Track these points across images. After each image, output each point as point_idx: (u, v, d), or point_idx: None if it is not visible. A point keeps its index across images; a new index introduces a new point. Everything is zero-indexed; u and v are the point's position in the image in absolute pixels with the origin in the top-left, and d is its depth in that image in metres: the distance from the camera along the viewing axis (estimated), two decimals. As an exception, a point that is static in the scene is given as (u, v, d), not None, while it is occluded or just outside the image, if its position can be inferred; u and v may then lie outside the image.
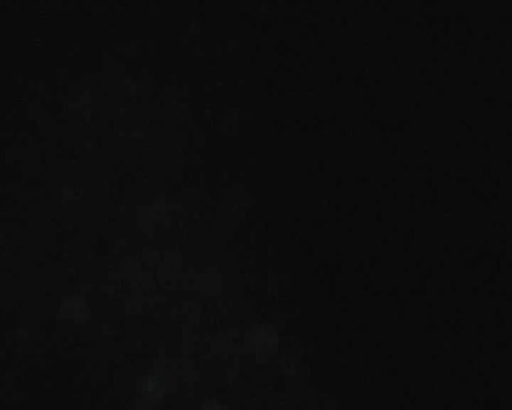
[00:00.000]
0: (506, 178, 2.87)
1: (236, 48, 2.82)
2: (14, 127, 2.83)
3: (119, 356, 2.73)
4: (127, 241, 2.79)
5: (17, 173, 2.80)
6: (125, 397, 2.72)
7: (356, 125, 2.90)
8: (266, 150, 2.85)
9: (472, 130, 2.90)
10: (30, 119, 2.81)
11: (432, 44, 2.92)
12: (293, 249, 2.81)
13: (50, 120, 2.80)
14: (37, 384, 2.72)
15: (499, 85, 2.91)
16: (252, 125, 2.85)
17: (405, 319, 2.80)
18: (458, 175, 2.88)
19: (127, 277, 2.77)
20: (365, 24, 2.92)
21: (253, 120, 2.84)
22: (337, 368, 2.75)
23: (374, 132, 2.90)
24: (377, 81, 2.92)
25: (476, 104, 2.91)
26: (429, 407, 2.79)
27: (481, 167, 2.88)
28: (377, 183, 2.87)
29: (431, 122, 2.91)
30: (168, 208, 2.79)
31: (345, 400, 2.75)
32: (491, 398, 2.79)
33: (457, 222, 2.86)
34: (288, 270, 2.79)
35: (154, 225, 2.80)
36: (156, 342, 2.75)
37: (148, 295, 2.77)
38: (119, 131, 2.80)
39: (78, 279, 2.77)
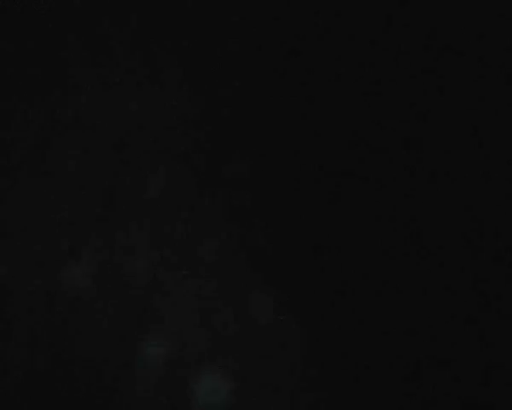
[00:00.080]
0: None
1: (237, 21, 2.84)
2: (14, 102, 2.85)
3: (121, 321, 2.75)
4: (130, 209, 2.81)
5: (19, 143, 2.82)
6: (126, 362, 2.74)
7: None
8: (266, 121, 2.87)
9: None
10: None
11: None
12: (294, 219, 2.83)
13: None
14: (37, 349, 2.73)
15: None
16: (252, 93, 2.87)
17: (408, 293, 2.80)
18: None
19: (131, 243, 2.80)
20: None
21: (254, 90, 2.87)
22: (339, 328, 2.76)
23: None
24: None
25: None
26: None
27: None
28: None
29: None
30: (170, 178, 2.82)
31: (346, 361, 2.75)
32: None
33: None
34: (289, 236, 2.82)
35: (159, 191, 2.82)
36: (158, 309, 2.78)
37: (151, 263, 2.79)
38: (119, 103, 2.83)
39: (81, 246, 2.79)
